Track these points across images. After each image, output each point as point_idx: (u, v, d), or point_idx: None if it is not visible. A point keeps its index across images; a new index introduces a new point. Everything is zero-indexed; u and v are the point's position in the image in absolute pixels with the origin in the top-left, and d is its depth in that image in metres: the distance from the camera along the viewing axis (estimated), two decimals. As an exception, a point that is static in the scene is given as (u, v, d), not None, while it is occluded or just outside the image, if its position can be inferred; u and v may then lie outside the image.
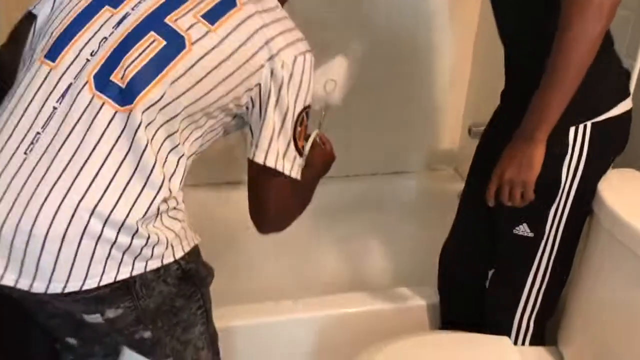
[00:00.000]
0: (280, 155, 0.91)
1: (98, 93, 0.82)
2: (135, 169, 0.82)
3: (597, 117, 1.06)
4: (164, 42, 0.84)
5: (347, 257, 1.89)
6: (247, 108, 0.91)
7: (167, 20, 0.85)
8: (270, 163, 0.90)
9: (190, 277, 0.91)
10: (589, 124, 1.06)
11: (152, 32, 0.84)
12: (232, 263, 1.65)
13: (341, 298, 1.49)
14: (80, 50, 0.86)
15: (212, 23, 0.85)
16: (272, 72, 0.88)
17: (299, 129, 0.92)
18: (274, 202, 0.95)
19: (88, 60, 0.85)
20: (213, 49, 0.85)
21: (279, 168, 0.91)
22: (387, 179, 2.11)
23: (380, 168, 2.11)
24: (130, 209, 0.81)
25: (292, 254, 1.79)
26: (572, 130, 1.06)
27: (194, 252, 0.92)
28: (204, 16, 0.86)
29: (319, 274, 1.72)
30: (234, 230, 1.65)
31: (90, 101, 0.82)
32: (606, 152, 1.11)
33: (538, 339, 1.25)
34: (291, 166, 0.93)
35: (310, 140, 1.02)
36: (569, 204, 1.11)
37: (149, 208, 0.82)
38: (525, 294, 1.20)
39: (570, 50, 0.94)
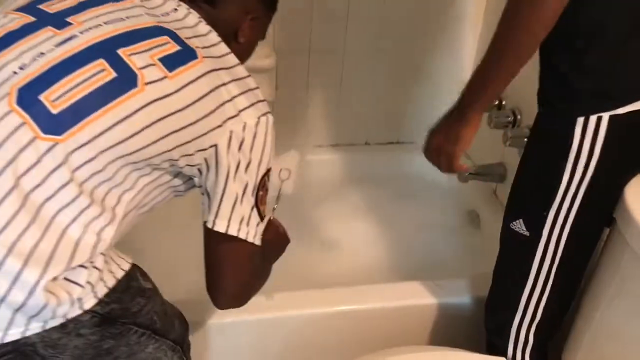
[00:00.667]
0: (245, 222, 0.86)
1: (18, 109, 0.70)
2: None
3: (618, 109, 0.87)
4: (114, 75, 0.74)
5: (334, 242, 1.73)
6: (199, 170, 0.84)
7: (120, 52, 0.76)
8: (232, 231, 0.85)
9: (114, 319, 0.78)
10: (605, 116, 0.87)
11: (102, 60, 0.75)
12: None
13: (324, 293, 1.33)
14: (7, 63, 0.74)
15: (170, 70, 0.77)
16: (231, 134, 0.81)
17: (260, 193, 0.87)
18: (235, 273, 0.90)
19: (15, 73, 0.73)
20: (166, 96, 0.76)
21: (242, 236, 0.86)
22: (381, 149, 1.95)
23: (373, 137, 1.95)
24: (28, 259, 0.67)
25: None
26: (580, 121, 0.88)
27: (118, 289, 0.78)
28: (162, 60, 0.77)
29: (302, 263, 1.56)
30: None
31: (6, 115, 0.69)
32: (631, 155, 0.93)
33: (539, 356, 1.12)
34: (255, 232, 0.88)
35: (265, 221, 1.05)
36: (575, 210, 0.95)
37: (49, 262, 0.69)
38: (523, 302, 1.07)
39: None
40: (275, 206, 1.14)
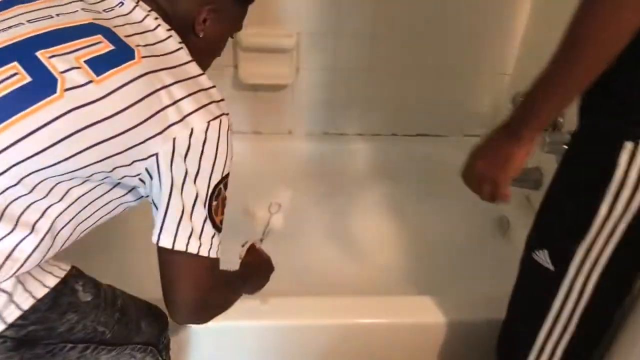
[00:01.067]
0: (195, 236, 0.78)
1: None
2: None
3: None
4: (29, 79, 0.68)
5: (346, 242, 1.62)
6: (142, 180, 0.77)
7: (39, 54, 0.69)
8: (180, 247, 0.78)
9: (34, 340, 0.72)
10: None
11: (15, 63, 0.69)
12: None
13: (326, 302, 1.21)
14: None
15: (98, 73, 0.70)
16: (174, 142, 0.74)
17: (214, 203, 0.80)
18: (189, 289, 0.82)
19: None
20: (90, 103, 0.69)
21: (192, 250, 0.79)
22: (409, 141, 1.83)
23: (401, 128, 1.83)
24: None
25: (286, 236, 1.37)
26: (628, 145, 0.76)
27: (40, 308, 0.72)
28: (90, 62, 0.70)
29: (308, 264, 1.45)
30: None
31: None
32: None
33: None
34: (209, 245, 0.80)
35: (247, 246, 1.07)
36: (611, 247, 0.83)
37: None
38: (540, 341, 0.96)
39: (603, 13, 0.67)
40: (262, 238, 1.11)
